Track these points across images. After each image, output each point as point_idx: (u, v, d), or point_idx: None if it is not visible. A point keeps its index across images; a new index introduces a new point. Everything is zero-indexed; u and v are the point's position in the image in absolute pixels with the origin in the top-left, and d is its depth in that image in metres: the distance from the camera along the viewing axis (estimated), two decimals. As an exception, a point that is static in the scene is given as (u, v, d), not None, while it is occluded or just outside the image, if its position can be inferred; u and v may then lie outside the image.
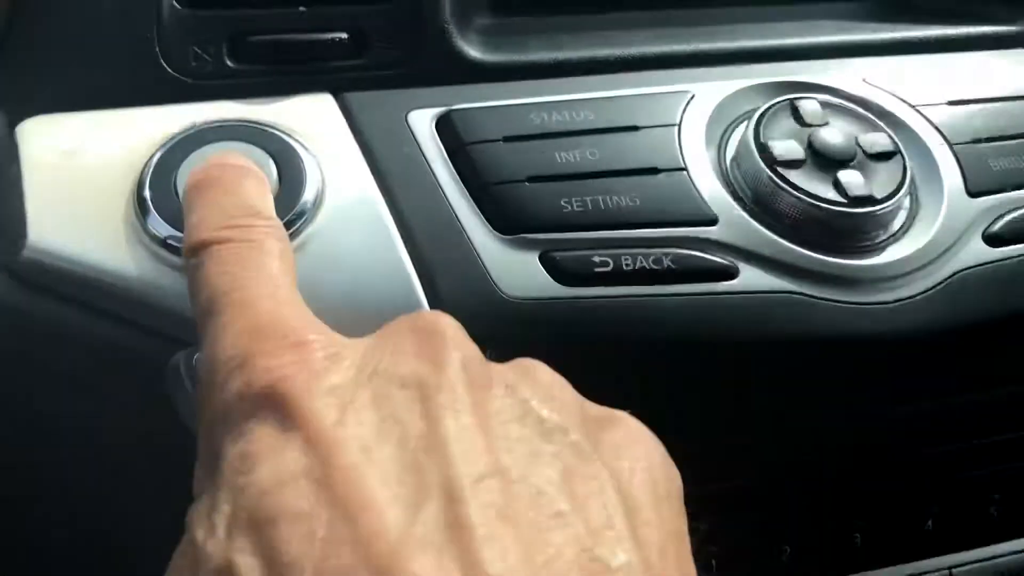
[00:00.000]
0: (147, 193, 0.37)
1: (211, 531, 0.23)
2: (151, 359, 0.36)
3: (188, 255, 0.32)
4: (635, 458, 0.26)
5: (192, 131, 0.39)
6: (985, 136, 0.45)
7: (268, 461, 0.23)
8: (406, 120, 0.42)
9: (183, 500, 0.26)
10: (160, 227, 0.36)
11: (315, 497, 0.22)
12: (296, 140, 0.40)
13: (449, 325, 0.27)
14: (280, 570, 0.21)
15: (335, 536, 0.22)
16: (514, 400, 0.26)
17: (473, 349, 0.27)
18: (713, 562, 0.39)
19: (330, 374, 0.25)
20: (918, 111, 0.45)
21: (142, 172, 0.38)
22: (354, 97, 0.42)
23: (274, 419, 0.24)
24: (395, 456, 0.23)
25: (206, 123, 0.39)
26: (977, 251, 0.42)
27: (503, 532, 0.22)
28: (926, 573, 0.42)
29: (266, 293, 0.29)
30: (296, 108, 0.42)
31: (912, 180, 0.42)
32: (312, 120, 0.41)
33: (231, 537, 0.23)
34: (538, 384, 0.27)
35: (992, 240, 0.42)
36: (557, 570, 0.22)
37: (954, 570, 0.43)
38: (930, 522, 0.42)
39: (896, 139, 0.43)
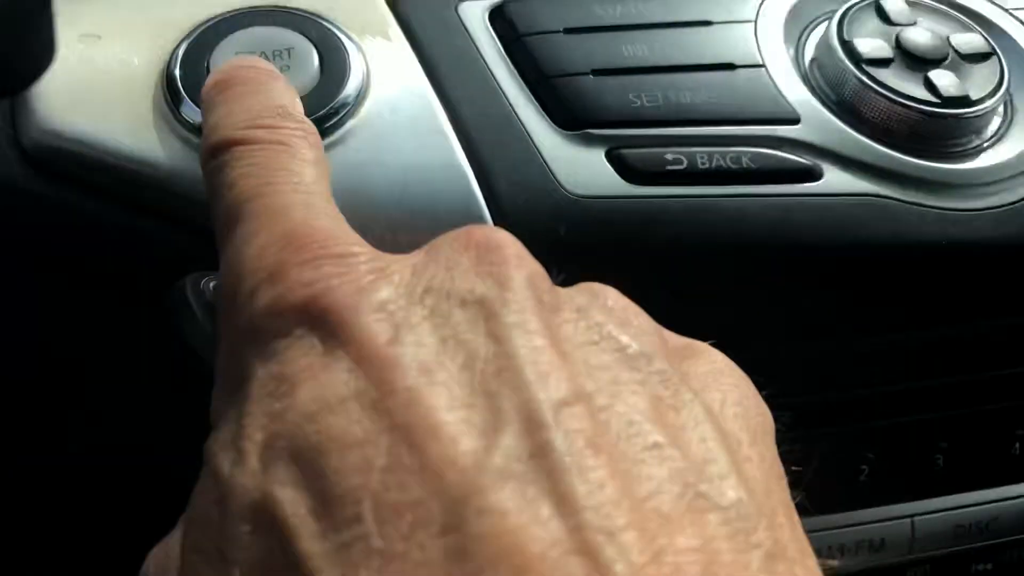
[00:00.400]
0: (178, 75, 0.34)
1: (240, 462, 0.20)
2: (178, 250, 0.33)
3: (207, 157, 0.28)
4: (725, 390, 0.23)
5: (228, 14, 0.36)
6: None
7: (310, 382, 0.20)
8: (456, 11, 0.38)
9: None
10: (193, 112, 0.33)
11: (370, 423, 0.19)
12: (339, 28, 0.36)
13: (510, 240, 0.24)
14: (332, 504, 0.18)
15: (398, 465, 0.19)
16: (588, 323, 0.22)
17: (538, 267, 0.23)
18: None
19: (379, 288, 0.22)
20: (1013, 15, 0.42)
21: (171, 55, 0.34)
22: (399, -14, 0.39)
23: (314, 336, 0.21)
24: (461, 379, 0.20)
25: (243, 7, 0.36)
26: (1080, 159, 0.38)
27: (595, 463, 0.19)
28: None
29: (299, 201, 0.26)
30: (338, -3, 0.38)
31: (1009, 83, 0.39)
32: (355, 10, 0.38)
33: (267, 468, 0.20)
34: (612, 308, 0.23)
35: (1095, 149, 0.39)
36: (661, 506, 0.19)
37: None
38: (1018, 445, 0.39)
39: (991, 40, 0.39)
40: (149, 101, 0.34)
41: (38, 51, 0.28)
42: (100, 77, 0.34)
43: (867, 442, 0.38)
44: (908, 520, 0.39)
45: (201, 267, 0.34)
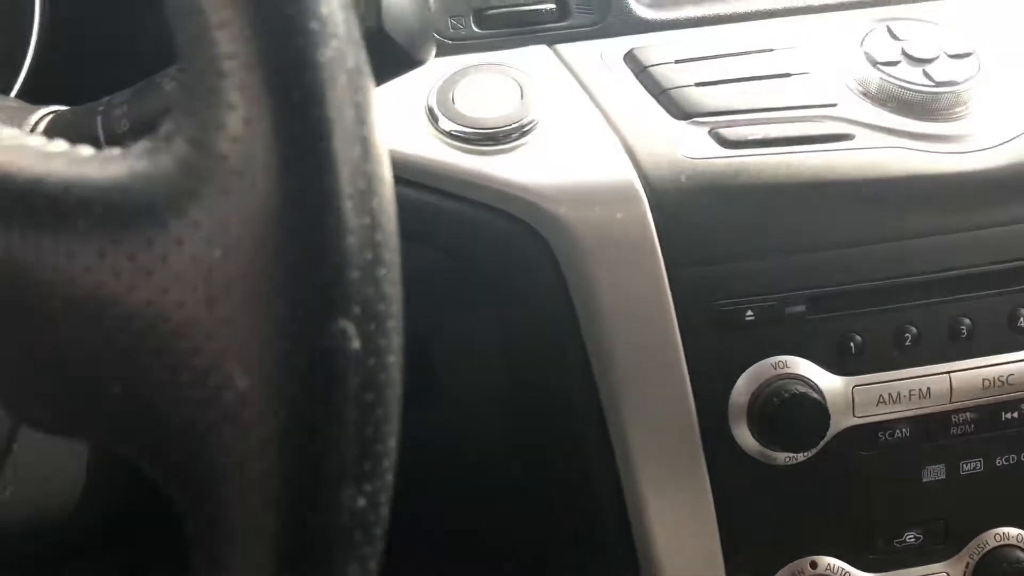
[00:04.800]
0: (435, 104, 0.55)
1: None
2: (443, 213, 0.53)
3: None
4: None
5: (460, 67, 0.57)
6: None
7: None
8: (602, 58, 0.59)
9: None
10: (447, 124, 0.54)
11: None
12: (527, 72, 0.57)
13: None
14: None
15: None
16: None
17: None
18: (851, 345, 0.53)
19: None
20: (995, 25, 0.59)
21: (429, 93, 0.55)
22: (563, 47, 0.60)
23: None
24: None
25: (470, 65, 0.57)
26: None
27: None
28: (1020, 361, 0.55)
29: None
30: (524, 55, 0.59)
31: (988, 70, 0.56)
32: (536, 62, 0.58)
33: None
34: None
35: (1054, 109, 0.56)
36: None
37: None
38: (1022, 320, 0.55)
39: (971, 44, 0.57)
40: (420, 121, 0.55)
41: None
42: (388, 104, 0.55)
43: (906, 318, 0.54)
44: (946, 376, 0.55)
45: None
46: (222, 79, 0.22)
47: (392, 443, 0.24)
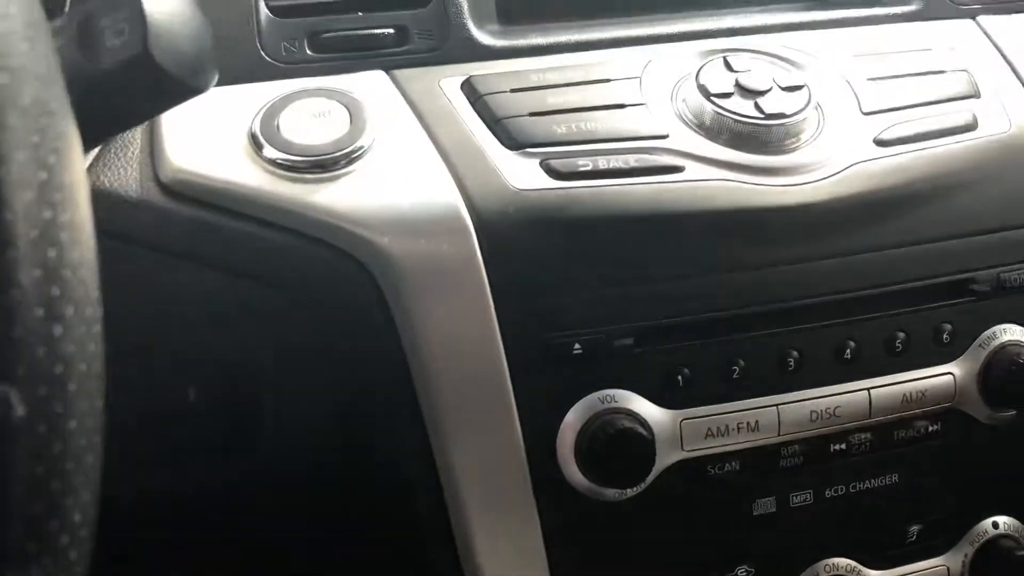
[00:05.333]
0: (259, 131, 0.53)
1: None
2: (265, 243, 0.51)
3: None
4: None
5: (289, 92, 0.55)
6: (877, 76, 0.60)
7: None
8: (439, 85, 0.57)
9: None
10: (271, 152, 0.52)
11: None
12: (359, 98, 0.55)
13: None
14: None
15: None
16: None
17: None
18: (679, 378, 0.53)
19: None
20: (824, 60, 0.60)
21: (254, 119, 0.53)
22: (400, 73, 0.58)
23: None
24: None
25: (300, 89, 0.55)
26: (869, 150, 0.56)
27: None
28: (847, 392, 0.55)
29: None
30: (359, 81, 0.57)
31: (817, 104, 0.57)
32: (371, 88, 0.57)
33: None
34: None
35: (881, 143, 0.57)
36: None
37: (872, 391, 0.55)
38: (848, 352, 0.55)
39: (804, 77, 0.58)
40: (242, 147, 0.53)
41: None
42: (210, 130, 0.53)
43: (733, 351, 0.54)
44: (774, 408, 0.55)
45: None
46: None
47: (79, 517, 0.22)
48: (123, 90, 0.34)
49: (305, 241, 0.51)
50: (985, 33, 0.66)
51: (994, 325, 0.57)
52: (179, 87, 0.36)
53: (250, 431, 0.53)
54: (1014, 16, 0.68)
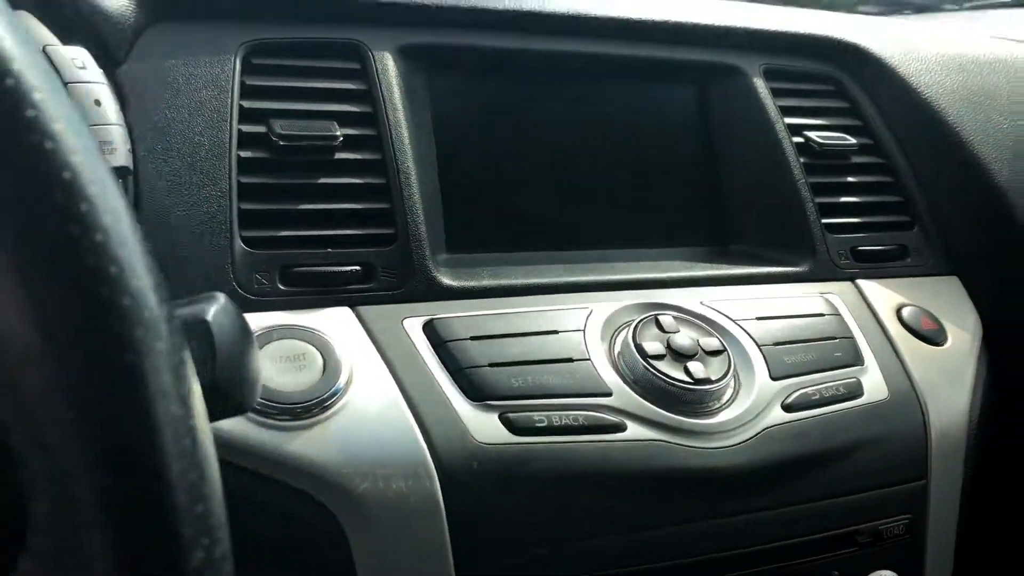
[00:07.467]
0: (240, 373, 0.55)
1: None
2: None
3: None
4: None
5: (264, 331, 0.58)
6: (782, 340, 0.69)
7: None
8: (403, 325, 0.62)
9: None
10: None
11: None
12: (330, 338, 0.59)
13: None
14: None
15: None
16: None
17: None
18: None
19: None
20: (738, 323, 0.69)
21: (233, 359, 0.56)
22: (365, 310, 0.62)
23: None
24: None
25: (274, 326, 0.58)
26: (778, 415, 0.64)
27: None
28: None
29: None
30: (326, 317, 0.61)
31: (735, 369, 0.65)
32: (338, 326, 0.61)
33: None
34: None
35: (788, 408, 0.65)
36: None
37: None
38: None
39: (724, 342, 0.66)
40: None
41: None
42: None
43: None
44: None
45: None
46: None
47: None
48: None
49: (262, 482, 0.54)
50: (863, 297, 0.77)
51: (875, 571, 0.66)
52: (235, 407, 0.38)
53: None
54: (884, 280, 0.79)
